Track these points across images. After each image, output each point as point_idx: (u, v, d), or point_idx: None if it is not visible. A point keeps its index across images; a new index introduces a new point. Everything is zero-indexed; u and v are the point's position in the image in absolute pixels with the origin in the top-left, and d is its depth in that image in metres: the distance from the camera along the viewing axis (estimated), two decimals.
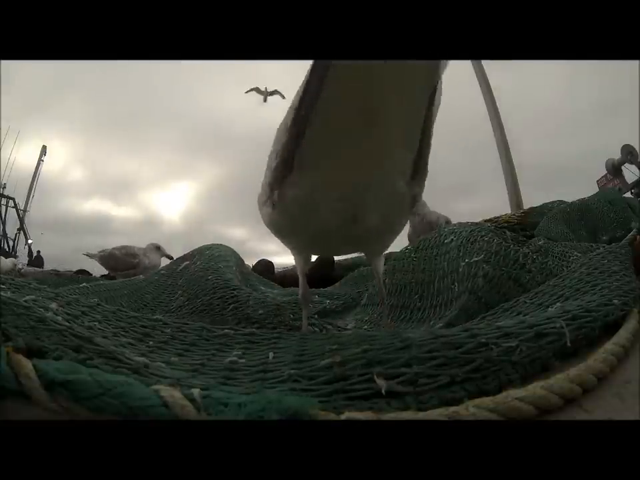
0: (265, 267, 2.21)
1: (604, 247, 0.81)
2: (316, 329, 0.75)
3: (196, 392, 0.26)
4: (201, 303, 0.88)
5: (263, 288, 1.16)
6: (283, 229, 0.51)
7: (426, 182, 0.50)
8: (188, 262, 1.13)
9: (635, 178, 4.02)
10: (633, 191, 3.58)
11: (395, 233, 0.56)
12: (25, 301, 0.39)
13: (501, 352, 0.36)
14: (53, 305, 0.43)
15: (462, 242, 0.81)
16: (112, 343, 0.40)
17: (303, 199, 0.44)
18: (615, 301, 0.47)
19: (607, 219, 1.46)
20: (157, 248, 2.63)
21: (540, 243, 1.05)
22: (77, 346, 0.34)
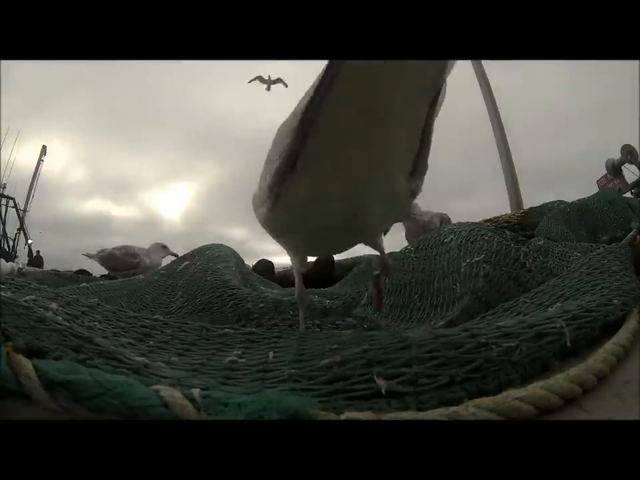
0: (265, 267, 2.21)
1: (604, 246, 0.81)
2: (316, 328, 0.75)
3: (196, 392, 0.26)
4: (200, 302, 0.88)
5: (262, 288, 1.15)
6: (282, 228, 0.52)
7: (426, 182, 0.51)
8: (188, 262, 1.13)
9: (635, 178, 4.02)
10: (632, 190, 3.58)
11: (392, 221, 0.58)
12: (25, 301, 0.39)
13: (500, 352, 0.36)
14: (53, 305, 0.43)
15: (462, 241, 0.81)
16: (112, 343, 0.40)
17: (306, 197, 0.44)
18: (615, 301, 0.47)
19: (607, 218, 1.46)
20: (163, 247, 2.63)
21: (540, 242, 1.04)
22: (76, 346, 0.34)
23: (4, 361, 0.25)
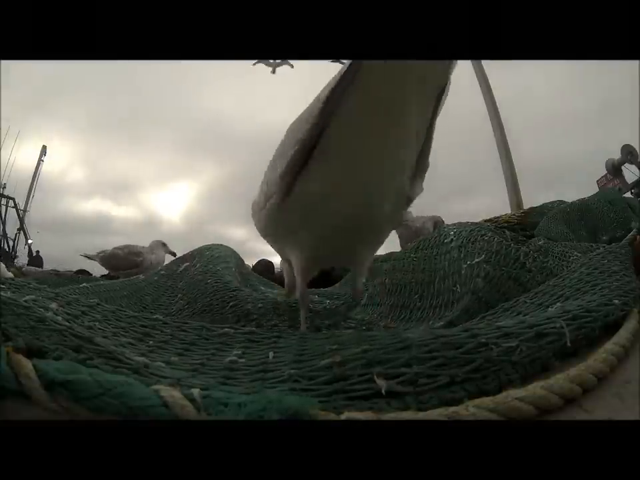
0: (264, 267, 2.21)
1: (604, 246, 0.81)
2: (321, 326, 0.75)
3: (196, 392, 0.26)
4: (200, 305, 0.87)
5: (262, 288, 1.15)
6: (289, 223, 0.51)
7: (426, 182, 0.51)
8: (188, 263, 1.12)
9: (635, 178, 4.01)
10: (633, 190, 3.57)
11: (383, 239, 0.58)
12: (25, 301, 0.39)
13: (501, 352, 0.36)
14: (53, 305, 0.43)
15: (462, 242, 0.81)
16: (112, 343, 0.40)
17: (319, 187, 0.44)
18: (615, 301, 0.47)
19: (607, 218, 1.46)
20: (163, 245, 2.64)
21: (540, 242, 1.04)
22: (76, 346, 0.34)
23: (4, 361, 0.25)
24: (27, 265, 6.88)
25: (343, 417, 0.26)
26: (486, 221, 1.58)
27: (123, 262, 2.47)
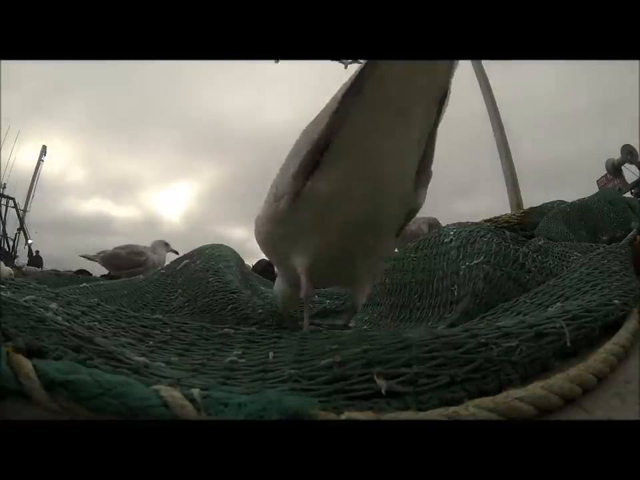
0: (264, 267, 2.20)
1: (604, 246, 0.81)
2: (319, 327, 0.75)
3: (196, 392, 0.26)
4: (200, 304, 0.87)
5: (263, 288, 1.15)
6: (300, 226, 0.51)
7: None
8: (187, 260, 1.12)
9: (635, 178, 4.01)
10: (633, 190, 3.57)
11: (384, 251, 0.59)
12: (25, 301, 0.39)
13: (501, 352, 0.36)
14: (53, 305, 0.43)
15: (462, 242, 0.81)
16: (112, 343, 0.40)
17: (332, 189, 0.45)
18: (615, 301, 0.47)
19: (607, 218, 1.46)
20: (165, 244, 2.65)
21: (540, 242, 1.04)
22: (76, 346, 0.34)
23: (4, 361, 0.25)
24: (27, 265, 6.88)
25: (343, 417, 0.26)
26: (486, 220, 1.58)
27: (125, 262, 2.47)
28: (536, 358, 0.37)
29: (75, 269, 3.00)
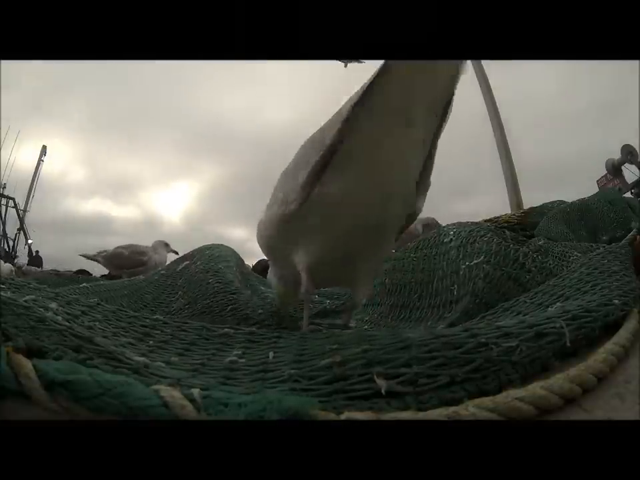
0: (264, 267, 2.20)
1: (604, 246, 0.81)
2: (319, 327, 0.74)
3: (196, 392, 0.26)
4: (200, 306, 0.87)
5: (263, 288, 1.15)
6: (305, 230, 0.51)
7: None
8: (188, 262, 1.12)
9: (635, 178, 4.01)
10: (633, 190, 3.57)
11: (385, 251, 0.60)
12: (25, 301, 0.39)
13: (501, 352, 0.36)
14: (53, 305, 0.43)
15: (462, 242, 0.81)
16: (112, 343, 0.40)
17: (340, 193, 0.45)
18: (615, 301, 0.47)
19: (607, 218, 1.46)
20: (166, 244, 2.65)
21: (540, 242, 1.04)
22: (76, 346, 0.34)
23: (4, 361, 0.25)
24: (27, 264, 6.88)
25: (343, 417, 0.26)
26: (486, 220, 1.58)
27: (127, 261, 2.47)
28: (536, 358, 0.37)
29: (75, 269, 3.00)
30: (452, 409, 0.28)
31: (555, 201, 1.75)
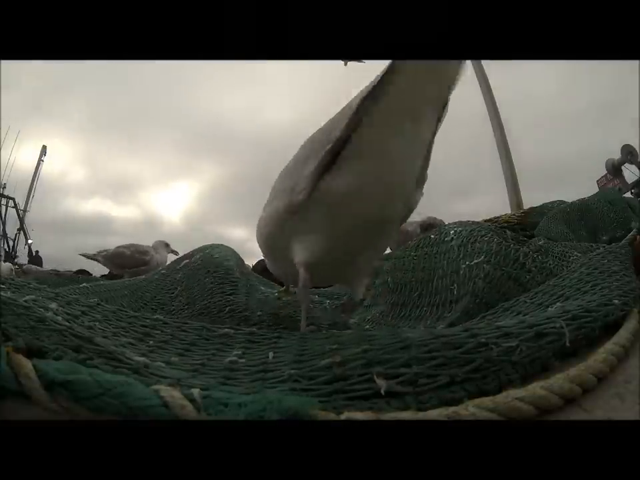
0: (265, 267, 2.20)
1: (604, 246, 0.81)
2: (320, 326, 0.74)
3: (196, 392, 0.26)
4: (199, 307, 0.87)
5: (263, 288, 1.15)
6: (313, 222, 0.51)
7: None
8: (187, 260, 1.12)
9: (635, 178, 4.01)
10: (633, 190, 3.57)
11: (385, 244, 0.60)
12: (25, 301, 0.39)
13: (501, 352, 0.36)
14: (53, 305, 0.43)
15: (462, 241, 0.81)
16: (112, 343, 0.40)
17: (352, 188, 0.46)
18: (615, 301, 0.47)
19: (607, 218, 1.46)
20: (166, 245, 2.65)
21: (540, 242, 1.04)
22: (76, 346, 0.34)
23: (4, 361, 0.25)
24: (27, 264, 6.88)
25: (343, 417, 0.26)
26: (486, 220, 1.58)
27: (129, 260, 2.46)
28: (536, 358, 0.37)
29: (74, 269, 3.00)
30: (452, 408, 0.28)
31: (555, 201, 1.75)
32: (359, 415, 0.27)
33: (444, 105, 0.44)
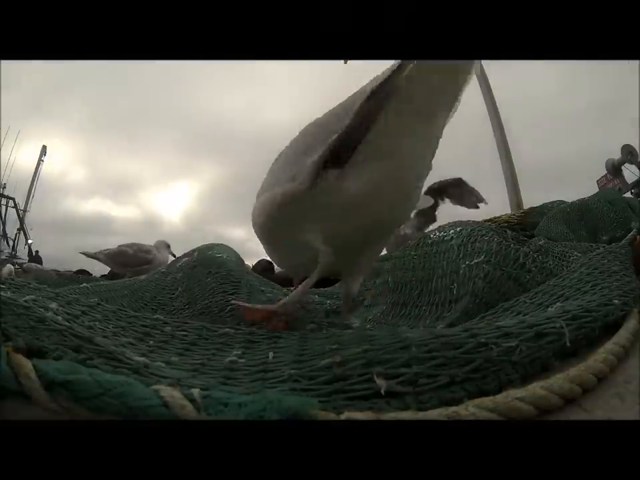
0: (264, 267, 2.21)
1: (604, 246, 0.80)
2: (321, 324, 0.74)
3: (196, 392, 0.26)
4: (200, 307, 0.87)
5: (263, 288, 1.15)
6: (319, 214, 0.50)
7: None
8: (187, 258, 1.12)
9: (635, 178, 4.01)
10: (633, 190, 3.57)
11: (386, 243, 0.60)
12: (25, 301, 0.39)
13: (501, 352, 0.36)
14: (53, 305, 0.43)
15: (462, 241, 0.81)
16: (112, 343, 0.40)
17: (365, 189, 0.45)
18: (615, 301, 0.47)
19: (607, 218, 1.46)
20: (167, 245, 2.65)
21: (540, 242, 1.04)
22: (76, 346, 0.34)
23: (4, 361, 0.25)
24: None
25: (343, 417, 0.26)
26: (486, 220, 1.58)
27: (132, 259, 2.46)
28: (536, 358, 0.37)
29: (74, 269, 3.00)
30: (452, 408, 0.28)
31: (555, 201, 1.75)
32: (358, 415, 0.27)
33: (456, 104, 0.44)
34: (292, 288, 0.94)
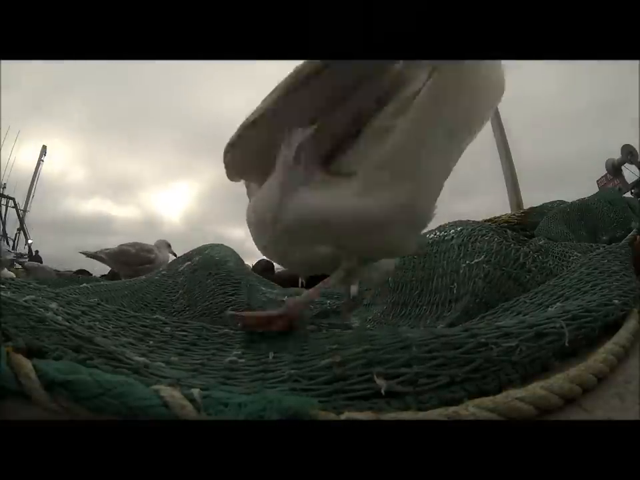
0: (264, 267, 2.21)
1: (604, 246, 0.80)
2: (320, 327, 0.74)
3: (196, 392, 0.26)
4: (200, 308, 0.87)
5: (263, 288, 1.15)
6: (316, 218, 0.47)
7: None
8: (189, 262, 1.12)
9: (635, 178, 4.01)
10: (633, 190, 3.57)
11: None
12: (25, 301, 0.39)
13: (501, 352, 0.36)
14: (53, 305, 0.43)
15: (463, 240, 0.81)
16: (112, 343, 0.40)
17: (382, 215, 0.43)
18: (615, 301, 0.47)
19: (607, 218, 1.46)
20: (168, 245, 2.65)
21: (540, 242, 1.04)
22: (76, 346, 0.34)
23: (4, 361, 0.25)
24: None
25: (343, 417, 0.26)
26: (486, 220, 1.58)
27: (134, 258, 2.46)
28: (536, 358, 0.37)
29: (74, 269, 2.99)
30: (452, 408, 0.28)
31: (555, 201, 1.74)
32: (358, 415, 0.27)
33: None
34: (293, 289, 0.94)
